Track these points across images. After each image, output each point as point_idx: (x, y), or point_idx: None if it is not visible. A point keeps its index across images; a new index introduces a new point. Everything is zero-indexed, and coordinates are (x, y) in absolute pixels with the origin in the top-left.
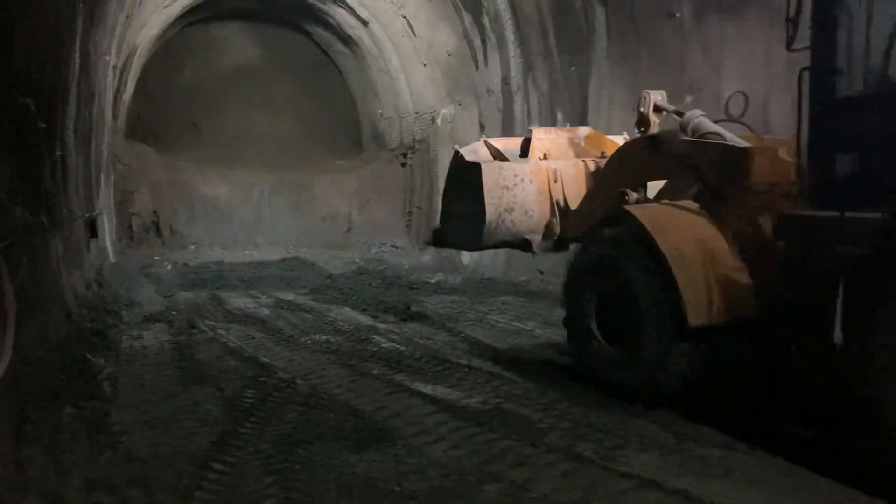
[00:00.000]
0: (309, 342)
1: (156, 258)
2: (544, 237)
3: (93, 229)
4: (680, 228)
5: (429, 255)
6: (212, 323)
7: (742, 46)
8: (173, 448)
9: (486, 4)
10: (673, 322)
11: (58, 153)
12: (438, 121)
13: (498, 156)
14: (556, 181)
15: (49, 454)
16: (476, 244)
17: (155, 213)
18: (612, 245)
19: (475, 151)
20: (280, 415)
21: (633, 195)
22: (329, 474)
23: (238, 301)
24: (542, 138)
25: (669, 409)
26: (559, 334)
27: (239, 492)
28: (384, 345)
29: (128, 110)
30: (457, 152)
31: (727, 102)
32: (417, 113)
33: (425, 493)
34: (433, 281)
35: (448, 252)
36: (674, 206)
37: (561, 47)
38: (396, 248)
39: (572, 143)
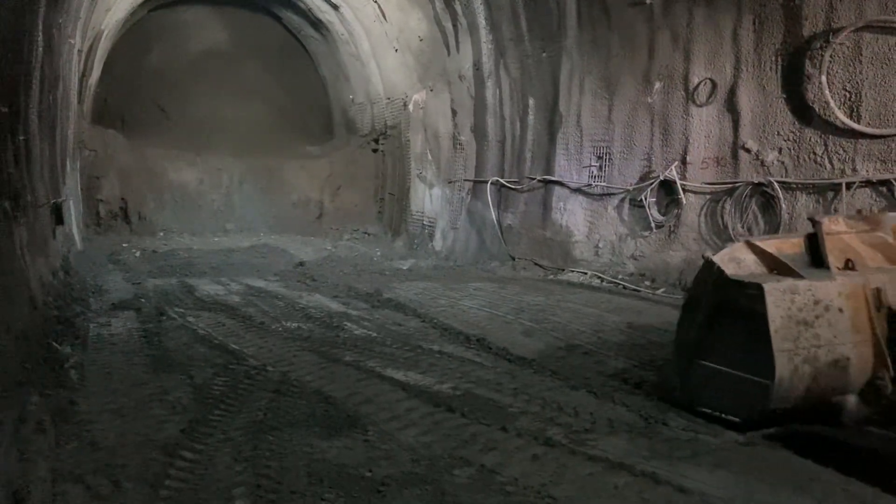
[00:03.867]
0: (280, 329)
1: (124, 245)
2: (865, 399)
3: (59, 216)
4: None
5: (401, 242)
6: (181, 310)
7: (711, 33)
8: (142, 436)
9: None
10: None
11: (21, 138)
12: (410, 106)
13: (777, 266)
14: (879, 308)
15: (14, 444)
16: (754, 413)
17: (123, 199)
18: None
19: (737, 260)
20: (250, 402)
21: None
22: (300, 461)
23: (208, 288)
24: (836, 234)
25: (639, 395)
26: (530, 319)
27: (208, 479)
28: (356, 331)
29: (94, 95)
30: (710, 263)
31: (696, 89)
32: (389, 98)
33: (396, 478)
34: (405, 267)
35: (420, 239)
36: None
37: (532, 33)
38: (368, 234)
39: (877, 239)
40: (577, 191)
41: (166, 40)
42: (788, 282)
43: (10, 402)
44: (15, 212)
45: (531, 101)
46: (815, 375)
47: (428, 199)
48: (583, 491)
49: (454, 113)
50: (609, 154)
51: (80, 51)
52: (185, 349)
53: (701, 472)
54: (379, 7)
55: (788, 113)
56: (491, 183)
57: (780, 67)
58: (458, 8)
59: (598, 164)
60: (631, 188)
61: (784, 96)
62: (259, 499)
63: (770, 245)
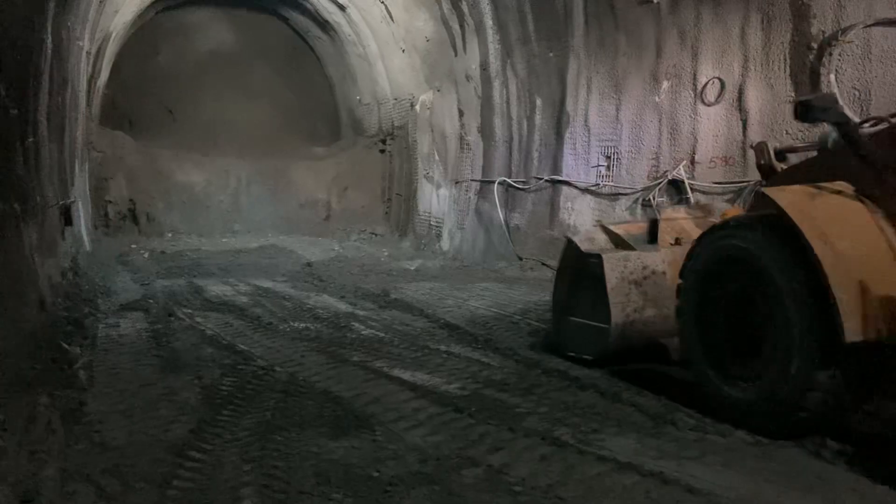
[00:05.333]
0: (287, 329)
1: (132, 246)
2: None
3: (67, 217)
4: (832, 217)
5: (408, 242)
6: (189, 311)
7: (718, 32)
8: (150, 437)
9: None
10: (818, 337)
11: (30, 140)
12: (417, 107)
13: (620, 243)
14: None
15: (23, 444)
16: (600, 352)
17: (131, 200)
18: (743, 233)
19: (591, 239)
20: (258, 402)
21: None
22: (307, 461)
23: (216, 289)
24: (672, 220)
25: (647, 395)
26: (538, 320)
27: (216, 479)
28: (363, 332)
29: (102, 97)
30: (570, 241)
31: (704, 88)
32: (396, 99)
33: (404, 478)
34: (412, 268)
35: (427, 239)
36: (824, 188)
37: (539, 33)
38: (376, 235)
39: (707, 223)
40: (585, 191)
41: (174, 42)
42: (623, 252)
43: (19, 402)
44: (24, 213)
45: (538, 101)
46: (645, 322)
47: (435, 199)
48: (591, 491)
49: (461, 113)
50: (617, 154)
51: (88, 53)
52: (194, 350)
53: (709, 472)
54: (386, 8)
55: None
56: (498, 183)
57: (788, 66)
58: (465, 8)
59: (605, 164)
60: (639, 188)
61: (792, 95)
62: (267, 499)
63: (619, 227)
